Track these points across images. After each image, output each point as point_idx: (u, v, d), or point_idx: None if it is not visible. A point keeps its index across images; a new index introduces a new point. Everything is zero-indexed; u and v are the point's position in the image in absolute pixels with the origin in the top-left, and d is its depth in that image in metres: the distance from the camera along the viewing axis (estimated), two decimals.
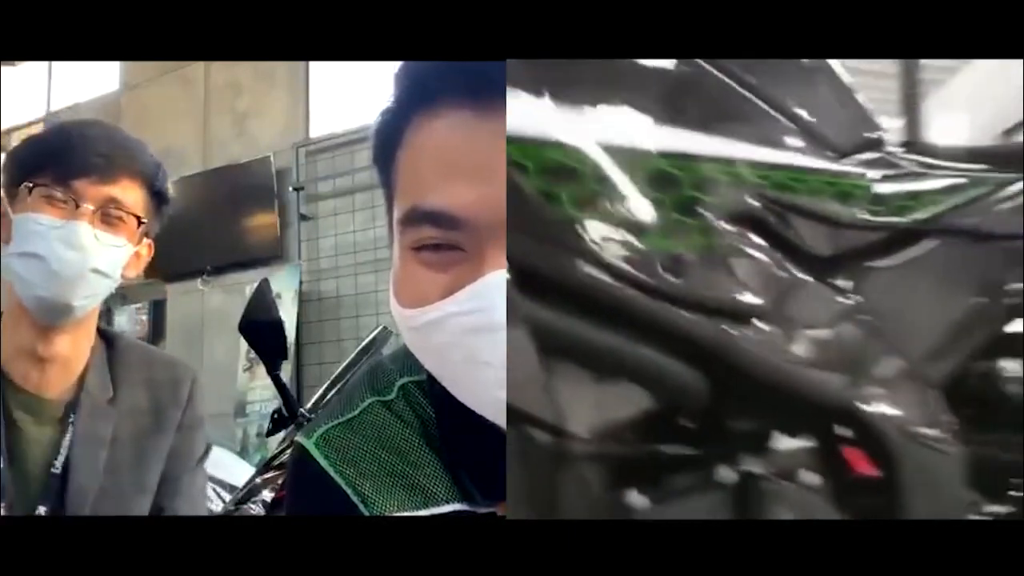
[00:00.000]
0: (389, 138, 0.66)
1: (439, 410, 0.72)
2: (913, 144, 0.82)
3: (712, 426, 0.73)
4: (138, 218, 1.21)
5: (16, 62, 6.77)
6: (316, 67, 5.57)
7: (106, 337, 1.33)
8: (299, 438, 0.75)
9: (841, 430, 0.75)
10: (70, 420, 1.23)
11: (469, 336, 0.62)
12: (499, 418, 0.64)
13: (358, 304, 5.07)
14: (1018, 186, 0.82)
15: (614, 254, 0.66)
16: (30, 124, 7.01)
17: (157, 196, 1.25)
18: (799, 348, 0.73)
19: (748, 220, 0.71)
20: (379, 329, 2.62)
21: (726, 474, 0.74)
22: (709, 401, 0.71)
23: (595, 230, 0.65)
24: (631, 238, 0.67)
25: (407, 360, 0.74)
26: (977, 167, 0.81)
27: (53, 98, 7.01)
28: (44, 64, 7.00)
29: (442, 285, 0.63)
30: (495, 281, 0.61)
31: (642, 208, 0.67)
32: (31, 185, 1.16)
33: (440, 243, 0.62)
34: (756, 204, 0.71)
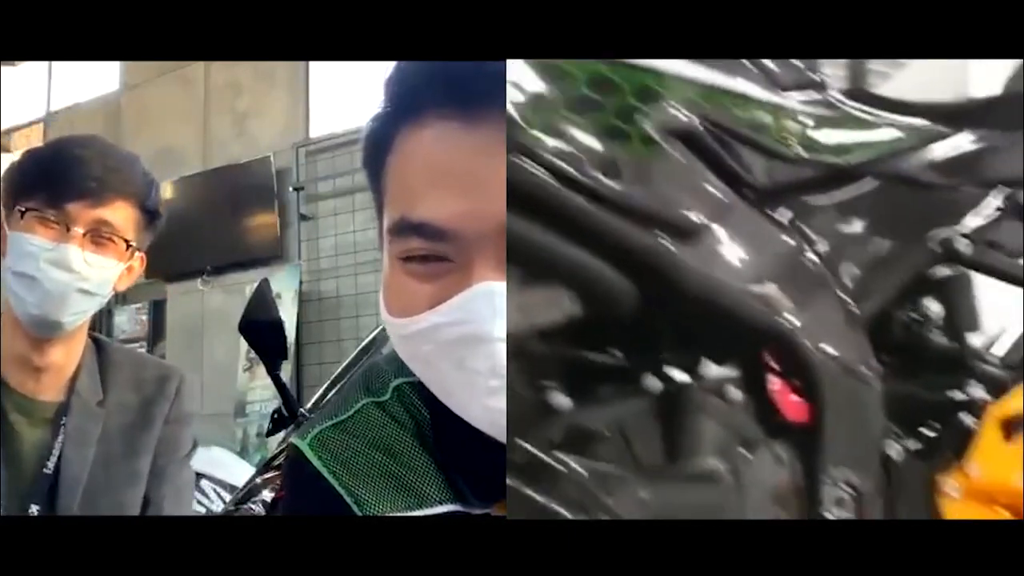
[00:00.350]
0: (378, 145, 0.66)
1: (433, 411, 0.72)
2: (855, 92, 0.82)
3: (640, 337, 0.74)
4: (127, 241, 1.27)
5: (16, 62, 6.77)
6: (316, 67, 5.58)
7: (97, 342, 1.40)
8: (294, 439, 0.75)
9: (769, 355, 0.76)
10: (62, 422, 1.30)
11: (456, 347, 0.62)
12: (489, 428, 0.65)
13: (358, 304, 5.07)
14: (957, 139, 0.83)
15: (548, 149, 0.66)
16: (30, 124, 7.02)
17: (149, 214, 1.30)
18: (733, 271, 0.73)
19: (688, 137, 0.71)
20: (379, 329, 2.62)
21: (652, 383, 0.75)
22: (639, 313, 0.71)
23: (532, 125, 0.65)
24: (568, 135, 0.67)
25: (402, 361, 0.74)
26: (918, 120, 0.82)
27: (53, 98, 7.01)
28: (44, 64, 7.00)
29: (429, 296, 0.63)
30: (483, 292, 0.61)
31: (582, 110, 0.67)
32: (23, 209, 1.22)
33: (427, 254, 0.62)
34: (696, 122, 0.71)
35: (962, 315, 0.85)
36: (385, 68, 0.66)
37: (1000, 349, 0.89)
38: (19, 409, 1.30)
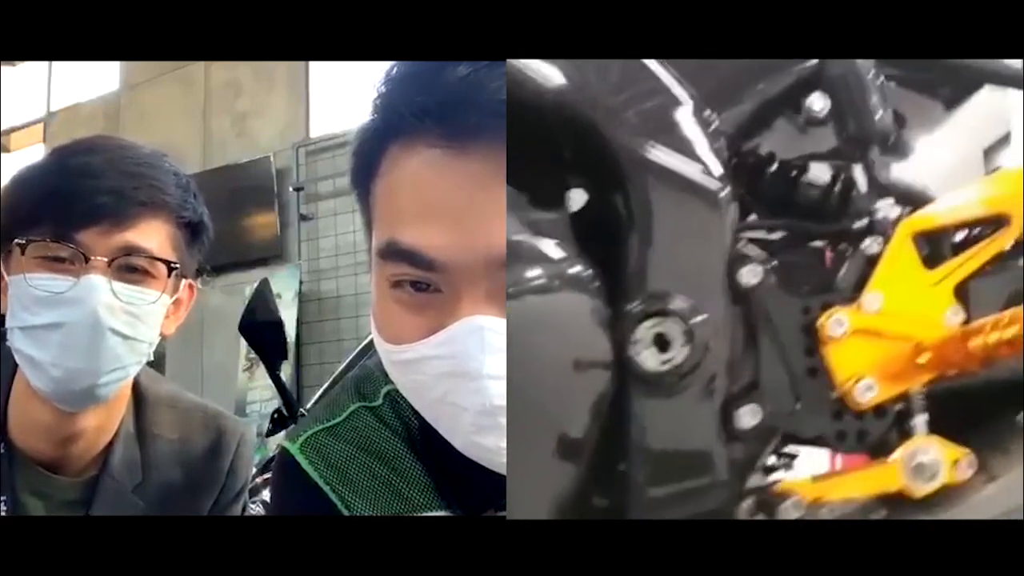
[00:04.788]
0: (367, 164, 0.65)
1: (424, 419, 0.72)
2: None
3: None
4: (168, 263, 0.95)
5: (16, 62, 6.76)
6: (316, 67, 5.58)
7: (137, 394, 1.07)
8: (284, 442, 0.75)
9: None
10: (87, 510, 1.02)
11: (444, 380, 0.62)
12: (478, 460, 0.64)
13: (358, 304, 5.07)
14: None
15: None
16: (30, 124, 7.02)
17: (190, 227, 0.99)
18: None
19: None
20: None
21: None
22: None
23: None
24: None
25: None
26: None
27: (53, 98, 7.01)
28: (44, 64, 7.00)
29: (418, 326, 0.62)
30: (470, 328, 0.60)
31: None
32: (23, 243, 0.92)
33: (416, 280, 0.61)
34: None
35: (858, 111, 0.71)
36: (385, 69, 0.65)
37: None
38: (34, 488, 1.01)
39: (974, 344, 0.64)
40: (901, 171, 0.75)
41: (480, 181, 0.59)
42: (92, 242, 0.91)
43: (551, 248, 0.67)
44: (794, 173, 0.76)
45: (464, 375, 0.61)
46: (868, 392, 0.67)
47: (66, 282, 0.90)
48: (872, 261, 0.69)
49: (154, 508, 1.04)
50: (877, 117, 0.70)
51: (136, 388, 1.07)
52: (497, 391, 0.61)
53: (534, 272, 0.65)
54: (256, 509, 2.00)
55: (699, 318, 0.66)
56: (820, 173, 0.75)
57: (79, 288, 0.90)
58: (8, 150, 7.10)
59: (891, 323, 0.68)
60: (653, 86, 0.68)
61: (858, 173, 0.73)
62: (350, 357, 2.56)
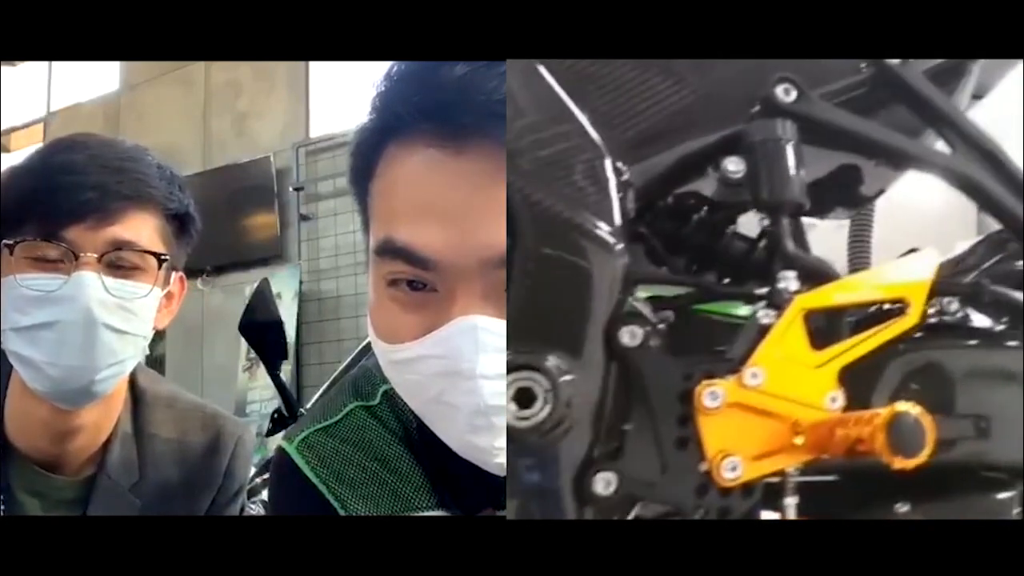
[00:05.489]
0: (363, 163, 0.65)
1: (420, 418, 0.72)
2: None
3: None
4: (158, 256, 0.96)
5: (16, 62, 6.77)
6: (316, 67, 5.58)
7: (135, 392, 1.08)
8: (281, 442, 0.76)
9: None
10: (84, 509, 1.02)
11: (438, 379, 0.62)
12: (473, 460, 0.65)
13: (358, 304, 5.07)
14: None
15: None
16: (30, 124, 7.02)
17: (177, 219, 1.00)
18: None
19: None
20: None
21: None
22: None
23: None
24: None
25: None
26: None
27: (53, 98, 7.01)
28: (44, 64, 7.00)
29: (414, 325, 0.62)
30: (464, 327, 0.60)
31: None
32: (11, 243, 0.92)
33: (412, 279, 0.62)
34: None
35: (773, 179, 0.68)
36: (385, 68, 0.65)
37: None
38: (31, 487, 1.01)
39: (839, 434, 0.62)
40: (813, 243, 0.74)
41: (477, 181, 0.59)
42: (80, 239, 0.91)
43: None
44: (722, 222, 0.75)
45: (458, 375, 0.61)
46: (732, 471, 0.63)
47: (57, 280, 0.90)
48: (763, 332, 0.66)
49: (151, 508, 1.04)
50: (791, 186, 0.68)
51: (134, 388, 1.07)
52: (491, 391, 0.61)
53: None
54: (255, 509, 2.00)
55: (568, 376, 0.63)
56: (750, 226, 0.74)
57: (70, 286, 0.90)
58: (8, 150, 7.10)
59: (770, 401, 0.64)
60: (563, 130, 0.67)
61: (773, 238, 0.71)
62: (350, 357, 2.56)
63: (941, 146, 0.73)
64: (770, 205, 0.68)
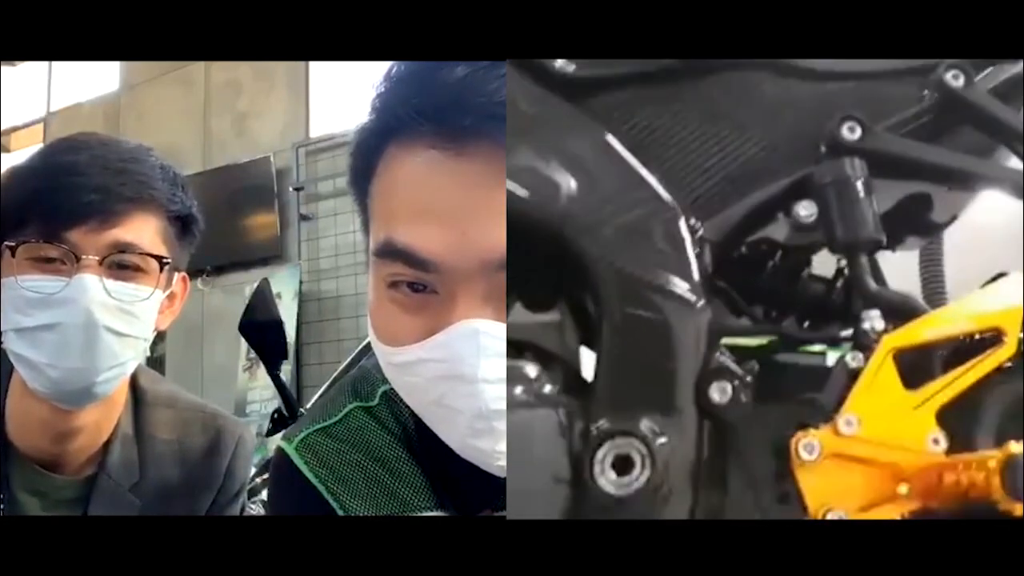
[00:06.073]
0: (363, 164, 0.65)
1: (421, 419, 0.72)
2: None
3: None
4: (160, 258, 0.95)
5: (16, 62, 6.77)
6: (316, 67, 5.58)
7: (135, 392, 1.08)
8: (280, 442, 0.75)
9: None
10: (84, 509, 1.02)
11: (440, 382, 0.62)
12: (475, 462, 0.64)
13: (358, 304, 5.07)
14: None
15: None
16: (30, 124, 7.02)
17: (179, 220, 0.99)
18: None
19: None
20: None
21: None
22: None
23: None
24: None
25: None
26: None
27: (53, 98, 7.01)
28: (44, 64, 7.00)
29: (414, 328, 0.62)
30: (465, 331, 0.60)
31: None
32: (13, 244, 0.91)
33: (412, 281, 0.61)
34: None
35: (847, 219, 0.68)
36: (385, 68, 0.65)
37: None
38: (32, 487, 1.01)
39: (948, 480, 0.60)
40: (893, 281, 0.73)
41: (477, 182, 0.59)
42: (82, 241, 0.90)
43: (529, 367, 0.67)
44: (797, 265, 0.74)
45: (459, 378, 0.60)
46: None
47: (58, 282, 0.90)
48: (854, 376, 0.64)
49: (151, 508, 1.04)
50: (866, 224, 0.68)
51: (135, 388, 1.07)
52: (493, 395, 0.60)
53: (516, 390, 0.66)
54: (256, 509, 2.00)
55: (662, 439, 0.63)
56: (825, 266, 0.73)
57: (71, 288, 0.90)
58: (8, 150, 7.10)
59: (868, 448, 0.63)
60: (638, 196, 0.68)
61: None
62: (350, 357, 2.56)
63: (1015, 163, 0.72)
64: (846, 245, 0.69)
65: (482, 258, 0.59)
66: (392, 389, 0.71)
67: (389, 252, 0.61)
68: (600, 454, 0.64)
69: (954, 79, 0.70)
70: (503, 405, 0.61)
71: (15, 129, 7.11)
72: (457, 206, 0.59)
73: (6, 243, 0.92)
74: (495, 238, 0.59)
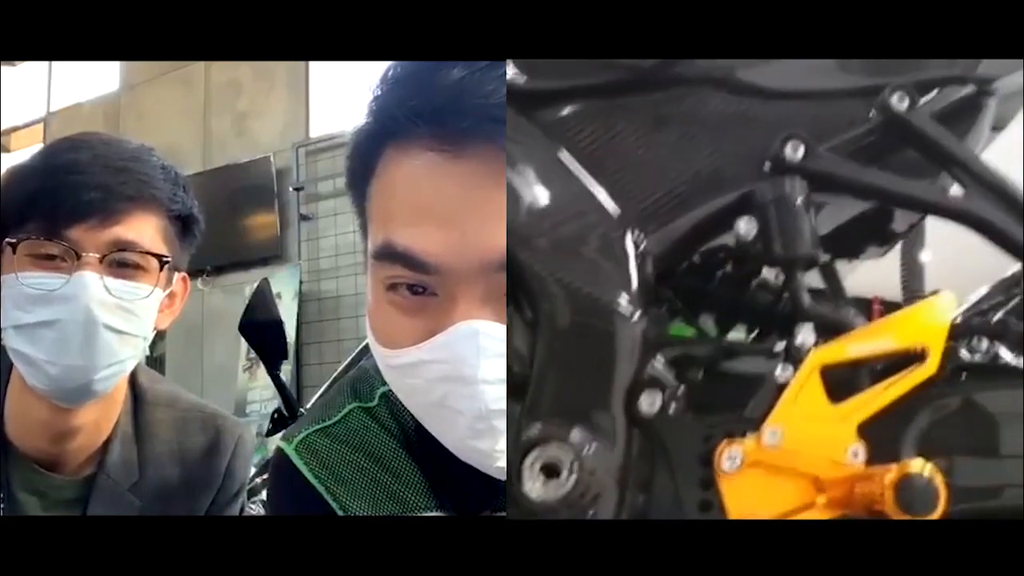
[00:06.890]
0: (361, 167, 0.65)
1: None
2: None
3: None
4: (160, 257, 0.96)
5: (16, 62, 6.77)
6: (316, 67, 5.58)
7: (135, 391, 1.08)
8: (279, 443, 0.75)
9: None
10: (83, 509, 1.03)
11: (440, 384, 0.62)
12: (475, 464, 0.65)
13: (358, 304, 5.07)
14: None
15: None
16: (30, 124, 7.02)
17: (180, 220, 1.00)
18: None
19: None
20: None
21: None
22: None
23: None
24: None
25: None
26: None
27: (53, 98, 7.01)
28: (44, 64, 7.00)
29: (413, 329, 0.62)
30: (465, 332, 0.60)
31: None
32: (14, 241, 0.92)
33: (411, 283, 0.61)
34: None
35: (785, 236, 0.69)
36: (384, 69, 0.65)
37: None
38: (30, 486, 1.01)
39: (859, 491, 0.61)
40: (827, 296, 0.75)
41: (475, 184, 0.59)
42: (82, 238, 0.91)
43: None
44: (747, 275, 0.75)
45: (459, 380, 0.60)
46: None
47: (58, 279, 0.91)
48: (782, 389, 0.66)
49: (151, 507, 1.04)
50: (803, 242, 0.69)
51: (135, 387, 1.07)
52: (493, 396, 0.61)
53: None
54: (256, 509, 2.00)
55: (591, 446, 0.65)
56: (773, 276, 0.74)
57: (71, 285, 0.90)
58: (8, 150, 7.10)
59: (789, 457, 0.64)
60: (579, 208, 0.68)
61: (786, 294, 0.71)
62: (350, 357, 2.56)
63: (955, 188, 0.72)
64: (784, 261, 0.69)
65: (482, 259, 0.59)
66: (391, 390, 0.71)
67: (388, 254, 0.61)
68: (529, 460, 0.65)
69: (899, 101, 0.70)
70: (503, 405, 0.61)
71: (15, 129, 7.11)
72: (456, 208, 0.59)
73: (7, 240, 0.92)
74: (494, 239, 0.59)
